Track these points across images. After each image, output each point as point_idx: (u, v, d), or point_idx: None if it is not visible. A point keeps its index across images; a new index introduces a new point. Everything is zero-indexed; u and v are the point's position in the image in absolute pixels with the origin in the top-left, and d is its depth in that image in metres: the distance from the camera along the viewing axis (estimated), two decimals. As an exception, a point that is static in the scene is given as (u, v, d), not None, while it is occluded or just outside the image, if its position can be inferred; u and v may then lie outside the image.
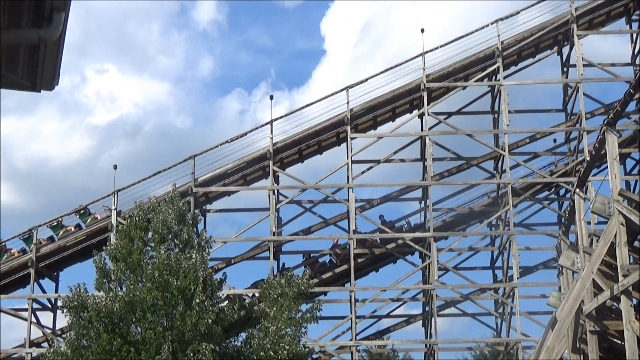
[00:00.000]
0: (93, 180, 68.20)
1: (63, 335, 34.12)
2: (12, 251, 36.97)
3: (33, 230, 36.54)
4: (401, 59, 37.61)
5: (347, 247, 36.10)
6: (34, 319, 36.30)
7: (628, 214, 19.52)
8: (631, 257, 20.14)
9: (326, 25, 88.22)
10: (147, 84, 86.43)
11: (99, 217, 36.82)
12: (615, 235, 19.76)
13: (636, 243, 21.55)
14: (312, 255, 38.35)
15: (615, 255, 19.78)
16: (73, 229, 36.88)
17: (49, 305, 37.62)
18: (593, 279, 21.01)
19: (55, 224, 36.86)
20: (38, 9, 7.74)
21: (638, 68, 37.14)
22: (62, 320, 34.48)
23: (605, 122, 20.84)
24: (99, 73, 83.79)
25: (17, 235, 37.02)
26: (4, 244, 37.05)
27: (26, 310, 36.14)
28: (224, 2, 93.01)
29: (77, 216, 37.08)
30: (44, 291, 37.45)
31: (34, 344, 36.34)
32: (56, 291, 37.18)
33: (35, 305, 36.72)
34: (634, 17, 38.91)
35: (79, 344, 26.29)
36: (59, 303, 32.80)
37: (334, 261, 37.62)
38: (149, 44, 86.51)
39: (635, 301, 20.14)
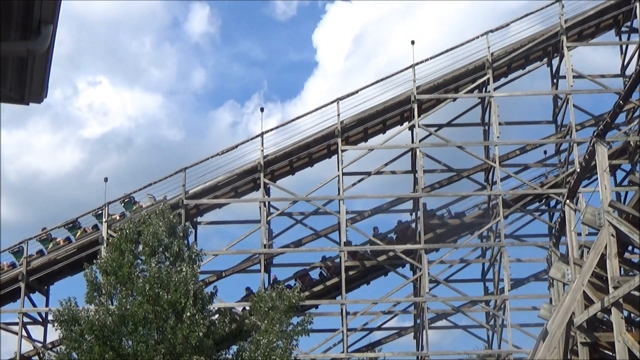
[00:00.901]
0: (84, 193, 67.97)
1: (54, 349, 34.07)
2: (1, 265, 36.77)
3: (23, 244, 36.42)
4: (392, 70, 37.70)
5: (338, 259, 36.12)
6: (24, 333, 36.16)
7: (618, 225, 19.56)
8: (622, 269, 20.18)
9: (318, 37, 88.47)
10: (140, 97, 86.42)
11: (88, 231, 36.72)
12: (606, 247, 19.79)
13: (626, 254, 21.61)
14: (304, 269, 38.28)
15: (606, 267, 19.81)
16: (62, 242, 36.73)
17: (40, 319, 37.48)
18: (584, 291, 21.03)
19: (44, 237, 36.69)
20: (26, 21, 7.72)
21: (627, 79, 37.20)
22: (53, 334, 34.41)
23: (595, 133, 20.91)
24: (91, 85, 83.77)
25: (6, 248, 36.87)
26: None
27: (17, 324, 35.99)
28: (216, 15, 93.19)
29: (67, 229, 36.94)
30: (34, 305, 37.29)
31: (24, 357, 36.18)
32: (47, 305, 37.00)
33: (26, 319, 36.58)
34: (623, 28, 39.04)
35: (70, 357, 26.21)
36: (50, 317, 32.70)
37: (325, 274, 37.59)
38: (141, 57, 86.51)
39: (626, 313, 20.16)
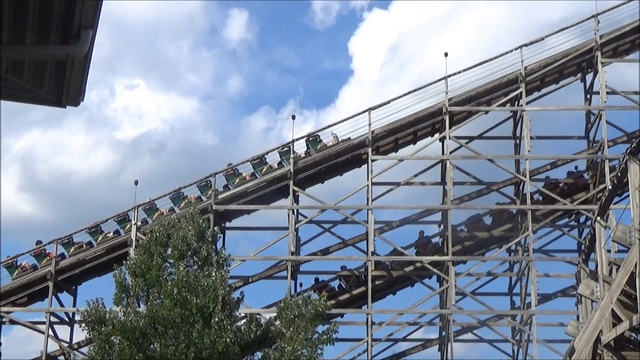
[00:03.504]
0: (115, 195, 68.25)
1: (81, 349, 34.26)
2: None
3: (46, 247, 36.79)
4: (426, 81, 37.68)
5: (362, 269, 36.10)
6: (51, 332, 36.40)
7: (649, 244, 19.38)
8: (651, 288, 19.97)
9: (354, 45, 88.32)
10: (175, 100, 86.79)
11: (110, 236, 36.97)
12: (636, 265, 19.63)
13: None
14: (321, 280, 38.17)
15: (635, 285, 19.65)
16: (85, 246, 37.01)
17: (67, 319, 37.69)
18: (612, 309, 20.87)
19: (66, 241, 36.98)
20: (66, 26, 7.81)
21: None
22: (79, 334, 34.62)
23: (627, 150, 20.76)
24: (128, 88, 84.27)
25: (28, 251, 37.19)
26: (15, 259, 37.17)
27: (44, 323, 36.24)
28: (254, 22, 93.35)
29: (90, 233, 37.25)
30: (62, 305, 37.51)
31: (50, 357, 36.40)
32: (74, 305, 37.22)
33: (53, 319, 36.81)
34: (659, 46, 38.77)
35: (98, 358, 26.31)
36: (77, 317, 32.89)
37: (344, 286, 37.51)
38: (179, 61, 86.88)
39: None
